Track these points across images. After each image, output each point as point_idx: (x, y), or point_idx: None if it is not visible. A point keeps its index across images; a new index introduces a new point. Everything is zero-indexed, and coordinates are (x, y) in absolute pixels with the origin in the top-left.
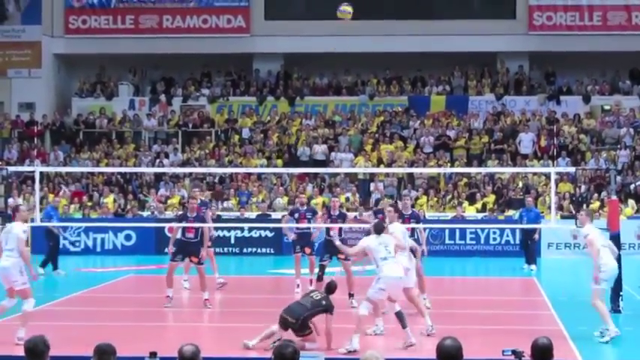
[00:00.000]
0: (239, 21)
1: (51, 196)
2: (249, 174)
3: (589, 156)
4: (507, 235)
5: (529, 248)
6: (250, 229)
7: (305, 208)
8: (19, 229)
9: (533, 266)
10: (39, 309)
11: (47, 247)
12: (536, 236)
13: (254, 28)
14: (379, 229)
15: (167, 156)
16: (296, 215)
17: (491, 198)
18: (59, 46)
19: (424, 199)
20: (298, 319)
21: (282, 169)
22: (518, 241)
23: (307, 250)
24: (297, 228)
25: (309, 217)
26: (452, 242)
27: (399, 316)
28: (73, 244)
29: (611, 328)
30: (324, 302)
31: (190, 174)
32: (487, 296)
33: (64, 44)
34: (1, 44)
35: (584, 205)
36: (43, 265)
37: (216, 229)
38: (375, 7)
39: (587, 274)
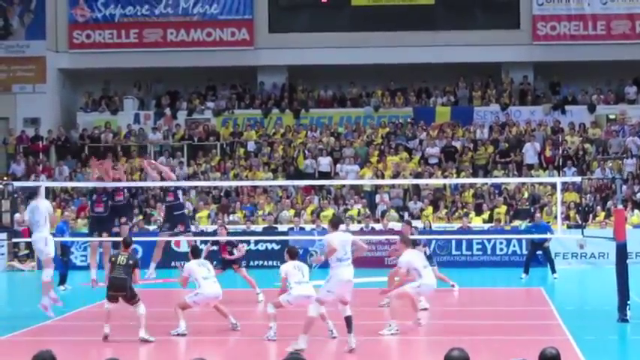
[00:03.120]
0: (243, 34)
1: (58, 212)
2: (255, 187)
3: (595, 165)
4: (514, 246)
5: (547, 258)
6: (257, 242)
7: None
8: (45, 204)
9: (555, 275)
10: (47, 324)
11: (60, 262)
12: (547, 244)
13: (258, 41)
14: (335, 224)
15: (173, 170)
16: None
17: (503, 209)
18: (64, 61)
19: (430, 210)
20: (126, 290)
21: (287, 181)
22: (525, 252)
23: None
24: None
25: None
26: (458, 253)
27: (347, 320)
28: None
29: (393, 325)
30: (130, 262)
31: (196, 187)
32: (494, 307)
33: (69, 59)
34: (5, 60)
35: (591, 215)
36: (62, 282)
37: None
38: (380, 19)
39: (594, 283)
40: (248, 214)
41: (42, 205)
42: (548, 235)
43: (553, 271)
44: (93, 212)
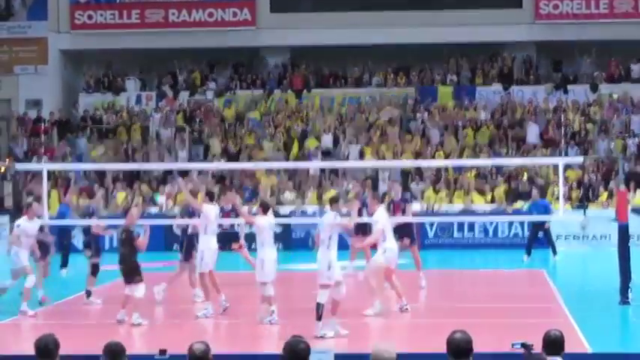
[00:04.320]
0: (245, 14)
1: (54, 193)
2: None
3: (597, 145)
4: (516, 228)
5: (547, 238)
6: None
7: (399, 197)
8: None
9: (556, 257)
10: (49, 308)
11: (61, 245)
12: (547, 225)
13: (260, 21)
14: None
15: (174, 151)
16: (391, 207)
17: (502, 189)
18: (65, 42)
19: (431, 191)
20: (122, 264)
21: (288, 163)
22: (527, 233)
23: (406, 240)
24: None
25: (403, 207)
26: (460, 235)
27: (317, 307)
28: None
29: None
30: (123, 235)
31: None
32: (496, 289)
33: (70, 40)
34: (7, 41)
35: (592, 195)
36: (64, 265)
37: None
38: None
39: (596, 265)
40: (247, 197)
41: (30, 227)
42: (546, 217)
43: (554, 252)
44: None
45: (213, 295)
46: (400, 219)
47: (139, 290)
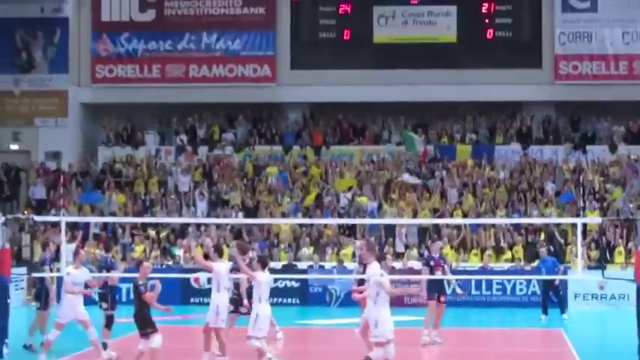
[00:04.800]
0: (265, 70)
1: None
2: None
3: (615, 205)
4: (534, 286)
5: (556, 296)
6: (275, 280)
7: (438, 255)
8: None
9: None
10: (68, 358)
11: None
12: (556, 282)
13: (280, 77)
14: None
15: (194, 205)
16: (432, 263)
17: (520, 249)
18: (86, 95)
19: (449, 249)
20: (135, 317)
21: (307, 219)
22: (540, 292)
23: (442, 298)
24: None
25: (443, 265)
26: (478, 293)
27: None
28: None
29: None
30: (134, 289)
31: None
32: (513, 348)
33: (91, 93)
34: (28, 93)
35: (608, 253)
36: None
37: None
38: (402, 57)
39: (614, 325)
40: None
41: (78, 275)
42: (565, 277)
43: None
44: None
45: (208, 347)
46: (440, 276)
47: (154, 341)
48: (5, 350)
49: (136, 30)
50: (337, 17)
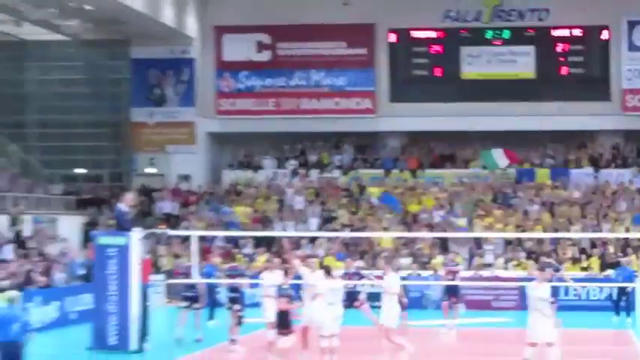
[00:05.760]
0: (366, 103)
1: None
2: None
3: None
4: (603, 292)
5: (626, 301)
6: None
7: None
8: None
9: (629, 319)
10: (200, 354)
11: (210, 301)
12: (628, 289)
13: (380, 109)
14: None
15: (307, 221)
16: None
17: (596, 260)
18: (211, 126)
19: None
20: (278, 316)
21: (405, 233)
22: (615, 297)
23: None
24: None
25: None
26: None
27: None
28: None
29: None
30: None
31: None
32: (583, 347)
33: (216, 124)
34: (161, 124)
35: None
36: (211, 317)
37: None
38: (486, 91)
39: None
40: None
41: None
42: (632, 284)
43: (627, 314)
44: None
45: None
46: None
47: (287, 341)
48: (146, 346)
49: (253, 69)
50: (429, 57)
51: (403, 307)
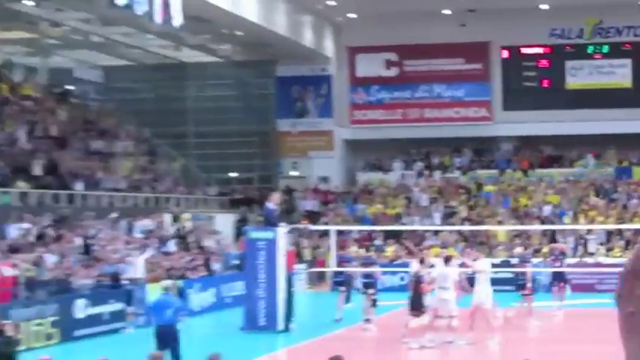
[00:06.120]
0: (483, 112)
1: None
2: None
3: None
4: None
5: None
6: (496, 272)
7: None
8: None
9: None
10: (337, 333)
11: (348, 283)
12: None
13: (495, 117)
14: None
15: (431, 216)
16: None
17: None
18: (347, 134)
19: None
20: (411, 298)
21: (519, 226)
22: None
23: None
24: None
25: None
26: None
27: None
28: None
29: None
30: (414, 279)
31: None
32: None
33: (350, 132)
34: (303, 133)
35: None
36: (348, 300)
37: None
38: (588, 99)
39: None
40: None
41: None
42: None
43: None
44: None
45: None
46: None
47: (419, 320)
48: (292, 326)
49: (383, 83)
50: (537, 70)
51: (529, 293)
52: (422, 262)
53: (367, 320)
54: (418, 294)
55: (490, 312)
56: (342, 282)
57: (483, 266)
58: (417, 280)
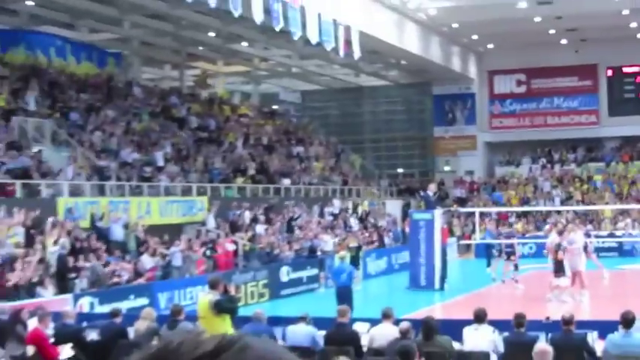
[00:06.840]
0: (592, 118)
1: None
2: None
3: None
4: None
5: None
6: (603, 242)
7: None
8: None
9: None
10: (482, 290)
11: (488, 252)
12: None
13: (601, 121)
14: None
15: (552, 199)
16: None
17: None
18: (487, 137)
19: None
20: (555, 262)
21: (623, 205)
22: None
23: None
24: None
25: None
26: None
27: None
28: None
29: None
30: (556, 247)
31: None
32: None
33: (490, 136)
34: (453, 137)
35: None
36: (489, 265)
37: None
38: None
39: None
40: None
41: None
42: None
43: None
44: None
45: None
46: None
47: (561, 281)
48: (446, 286)
49: (514, 98)
50: (635, 85)
51: None
52: (560, 234)
53: (516, 280)
54: (559, 260)
55: (584, 274)
56: (502, 251)
57: (577, 238)
58: (557, 250)
